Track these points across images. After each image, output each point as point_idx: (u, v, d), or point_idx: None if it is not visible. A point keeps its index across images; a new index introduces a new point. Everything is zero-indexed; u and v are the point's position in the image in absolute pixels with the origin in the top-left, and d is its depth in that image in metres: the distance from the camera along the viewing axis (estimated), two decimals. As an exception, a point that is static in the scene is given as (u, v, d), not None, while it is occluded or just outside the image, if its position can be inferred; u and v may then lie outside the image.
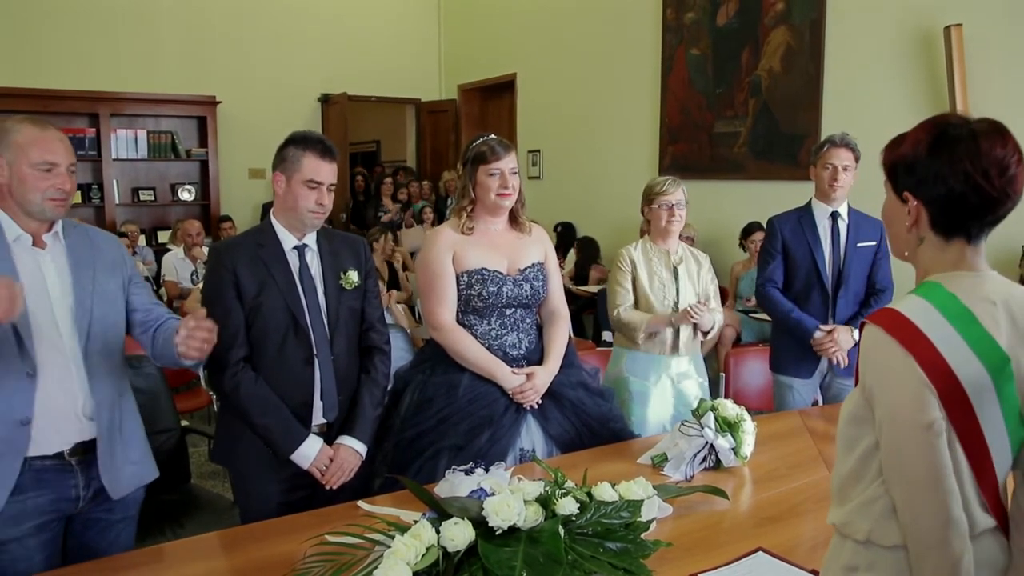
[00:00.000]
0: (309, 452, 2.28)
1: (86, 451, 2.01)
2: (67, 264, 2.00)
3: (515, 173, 2.60)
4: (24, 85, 7.42)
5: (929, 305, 1.25)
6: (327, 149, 2.32)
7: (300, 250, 2.36)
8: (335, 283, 2.37)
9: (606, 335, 6.14)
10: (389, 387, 2.66)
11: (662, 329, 3.07)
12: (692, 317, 2.98)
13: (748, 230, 5.85)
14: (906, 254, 1.36)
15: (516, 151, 2.64)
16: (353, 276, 2.28)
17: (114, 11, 7.96)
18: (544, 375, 2.58)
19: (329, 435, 2.39)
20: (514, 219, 2.70)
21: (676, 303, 3.08)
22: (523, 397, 2.54)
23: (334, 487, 2.29)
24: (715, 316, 3.12)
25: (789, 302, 3.34)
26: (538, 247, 2.73)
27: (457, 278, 2.59)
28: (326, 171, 2.30)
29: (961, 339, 1.22)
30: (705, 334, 3.16)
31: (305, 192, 2.29)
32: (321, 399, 2.34)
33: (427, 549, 1.53)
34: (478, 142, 2.62)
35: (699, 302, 3.04)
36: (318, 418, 2.36)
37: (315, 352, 2.33)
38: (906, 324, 1.24)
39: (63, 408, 1.96)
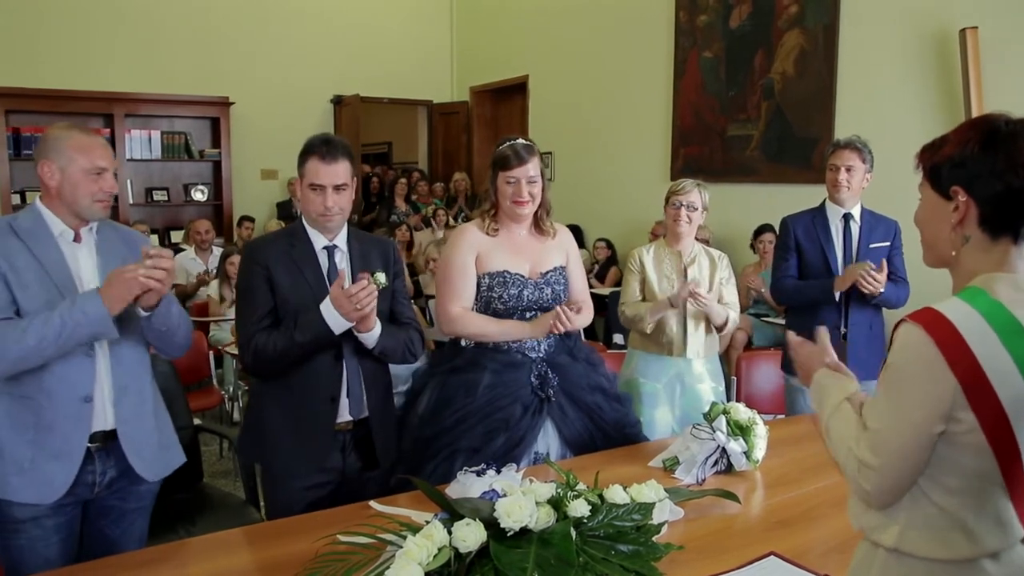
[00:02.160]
0: (326, 308, 2.23)
1: (106, 438, 2.11)
2: (98, 257, 2.15)
3: (533, 181, 2.57)
4: (41, 86, 7.48)
5: (974, 311, 1.22)
6: (329, 151, 2.31)
7: (330, 250, 2.39)
8: None
9: (617, 337, 6.13)
10: (407, 387, 2.67)
11: (664, 312, 3.06)
12: (689, 295, 2.98)
13: (758, 232, 5.85)
14: (953, 253, 1.32)
15: (539, 155, 2.62)
16: (381, 277, 2.30)
17: (130, 13, 8.00)
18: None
19: (355, 435, 2.40)
20: (537, 223, 2.69)
21: (685, 300, 3.07)
22: (558, 324, 2.51)
23: (365, 307, 2.21)
24: (729, 312, 3.11)
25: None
26: (560, 250, 2.72)
27: (479, 280, 2.59)
28: (326, 173, 2.30)
29: (1007, 353, 1.20)
30: (719, 329, 3.15)
31: (310, 195, 2.31)
32: (347, 396, 2.36)
33: (439, 550, 1.53)
34: (504, 145, 2.61)
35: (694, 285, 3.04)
36: (344, 415, 2.37)
37: (342, 350, 2.34)
38: (947, 327, 1.21)
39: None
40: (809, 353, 1.58)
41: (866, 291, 3.15)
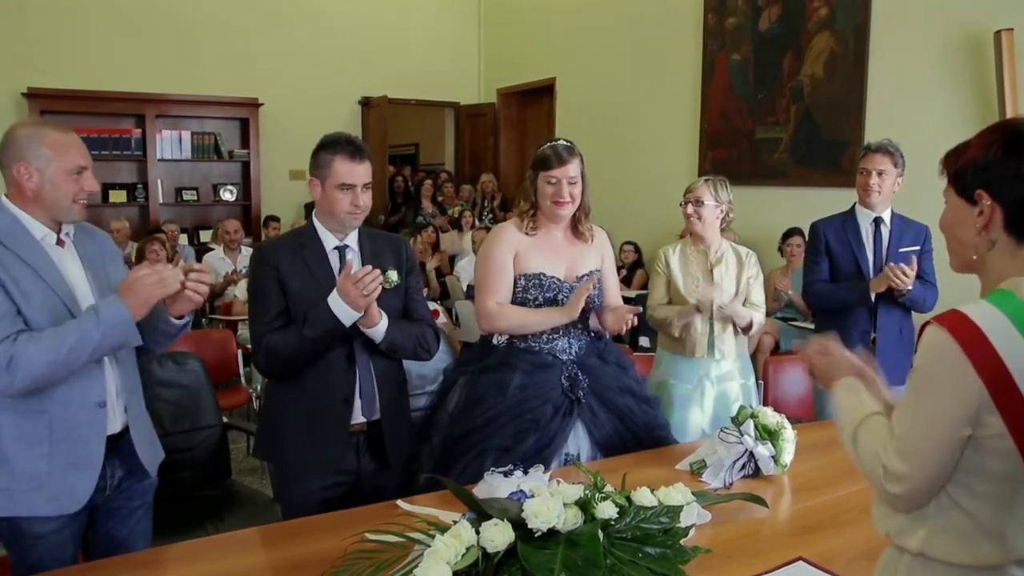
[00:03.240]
0: (333, 299, 2.23)
1: (114, 440, 2.07)
2: (81, 260, 2.07)
3: (574, 182, 2.56)
4: (75, 87, 7.60)
5: (1000, 313, 1.21)
6: (357, 150, 2.33)
7: (341, 250, 2.40)
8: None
9: (643, 340, 6.11)
10: (435, 387, 2.68)
11: (692, 318, 3.05)
12: (709, 296, 2.99)
13: (786, 235, 5.81)
14: (974, 258, 1.32)
15: (580, 157, 2.61)
16: (393, 276, 2.30)
17: (161, 16, 8.11)
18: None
19: (369, 436, 2.41)
20: (575, 226, 2.68)
21: (711, 303, 3.05)
22: (622, 324, 2.54)
23: (371, 292, 2.20)
24: (753, 314, 3.09)
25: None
26: (596, 254, 2.72)
27: (515, 280, 2.60)
28: (359, 172, 2.32)
29: None
30: (746, 331, 3.13)
31: (339, 195, 2.31)
32: (360, 397, 2.37)
33: (467, 549, 1.53)
34: (545, 145, 2.61)
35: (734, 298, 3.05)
36: (357, 417, 2.38)
37: (355, 351, 2.35)
38: (972, 329, 1.20)
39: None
40: (829, 363, 1.57)
41: (895, 286, 3.12)
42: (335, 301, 2.22)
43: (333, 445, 2.35)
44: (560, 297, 2.59)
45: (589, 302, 2.60)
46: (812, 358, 1.62)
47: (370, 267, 2.21)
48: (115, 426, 2.07)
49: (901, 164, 3.28)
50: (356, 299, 2.19)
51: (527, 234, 2.62)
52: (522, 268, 2.59)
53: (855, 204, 3.40)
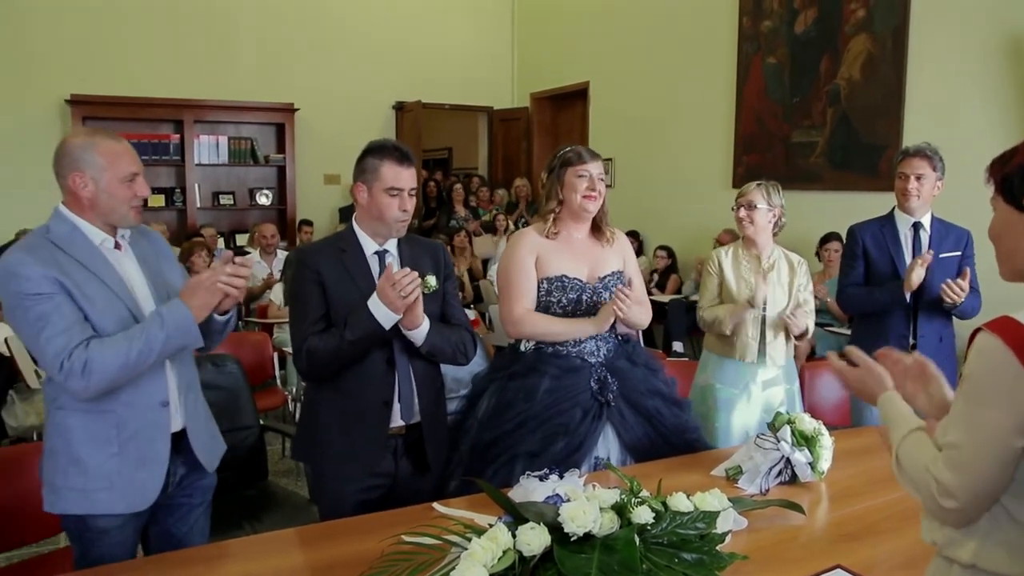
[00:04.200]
0: (373, 302, 2.25)
1: (177, 438, 2.13)
2: (138, 262, 2.12)
3: (602, 179, 2.64)
4: (116, 93, 7.77)
5: None
6: (404, 155, 2.35)
7: (380, 255, 2.41)
8: None
9: (677, 345, 6.08)
10: (467, 391, 2.69)
11: (744, 315, 3.04)
12: (763, 293, 2.98)
13: (824, 240, 5.75)
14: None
15: (610, 167, 2.66)
16: (432, 280, 2.32)
17: (199, 23, 8.25)
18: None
19: (407, 440, 2.42)
20: (596, 228, 2.70)
21: (763, 309, 3.05)
22: (617, 306, 2.52)
23: (409, 294, 2.21)
24: (807, 320, 3.08)
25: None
26: (618, 255, 2.73)
27: (538, 284, 2.61)
28: (406, 177, 2.34)
29: None
30: (799, 338, 3.11)
31: (388, 200, 2.32)
32: (399, 401, 2.38)
33: (503, 552, 1.54)
34: (566, 149, 2.66)
35: (795, 307, 3.04)
36: (396, 420, 2.39)
37: (394, 353, 2.37)
38: None
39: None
40: (861, 376, 1.55)
41: (948, 301, 3.08)
42: (375, 304, 2.23)
43: (371, 448, 2.36)
44: (584, 298, 2.60)
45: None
46: (844, 375, 1.60)
47: (408, 269, 2.23)
48: (177, 424, 2.13)
49: (940, 168, 3.23)
50: (395, 301, 2.21)
51: (548, 238, 2.63)
52: (544, 272, 2.61)
53: (894, 208, 3.36)
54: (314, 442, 2.42)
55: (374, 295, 2.24)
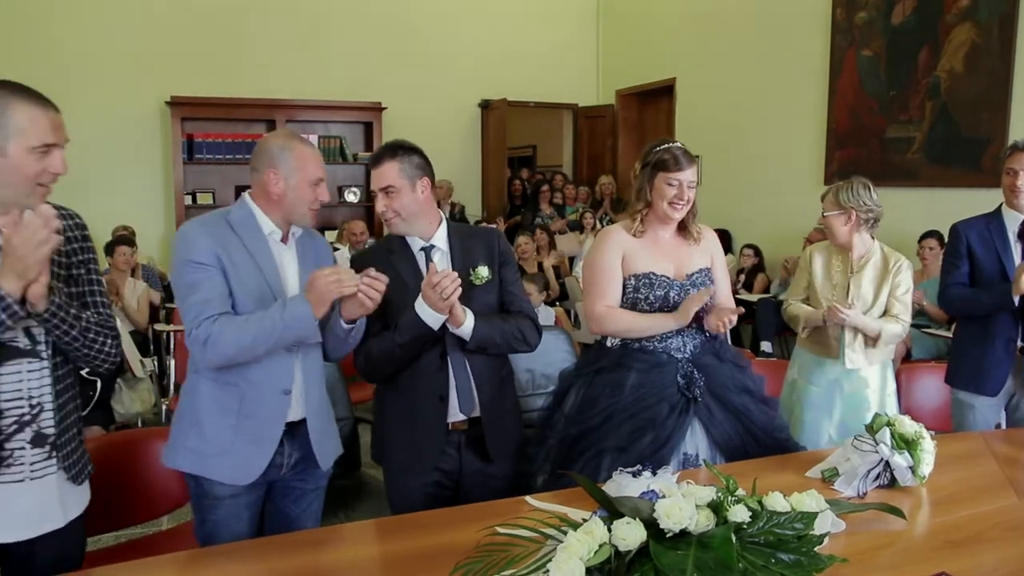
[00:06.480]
0: (419, 304, 2.28)
1: (294, 427, 2.23)
2: (299, 259, 2.27)
3: (692, 187, 2.59)
4: (212, 94, 8.08)
5: None
6: (375, 154, 2.43)
7: (427, 251, 2.44)
8: (464, 280, 2.35)
9: (764, 345, 5.97)
10: (553, 388, 2.70)
11: (818, 324, 3.08)
12: (836, 316, 2.97)
13: (922, 238, 5.55)
14: None
15: (698, 164, 2.63)
16: (483, 271, 2.32)
17: (290, 25, 8.50)
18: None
19: (469, 434, 2.44)
20: (683, 227, 2.69)
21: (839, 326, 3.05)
22: (720, 325, 2.52)
23: (450, 295, 2.22)
24: (885, 325, 3.00)
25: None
26: (705, 253, 2.71)
27: (624, 281, 2.60)
28: (372, 177, 2.40)
29: None
30: (874, 342, 3.05)
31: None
32: (457, 394, 2.41)
33: (599, 546, 1.55)
34: (661, 148, 2.61)
35: (850, 304, 3.02)
36: (455, 415, 2.41)
37: (447, 349, 2.39)
38: None
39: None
40: None
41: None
42: (420, 306, 2.28)
43: (430, 443, 2.40)
44: (671, 295, 2.58)
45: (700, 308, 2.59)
46: None
47: (448, 269, 2.25)
48: (296, 414, 2.22)
49: (1049, 163, 3.08)
50: (436, 303, 2.24)
51: (635, 236, 2.62)
52: (631, 269, 2.60)
53: (1001, 205, 3.21)
54: (382, 441, 2.48)
55: (420, 296, 2.28)
